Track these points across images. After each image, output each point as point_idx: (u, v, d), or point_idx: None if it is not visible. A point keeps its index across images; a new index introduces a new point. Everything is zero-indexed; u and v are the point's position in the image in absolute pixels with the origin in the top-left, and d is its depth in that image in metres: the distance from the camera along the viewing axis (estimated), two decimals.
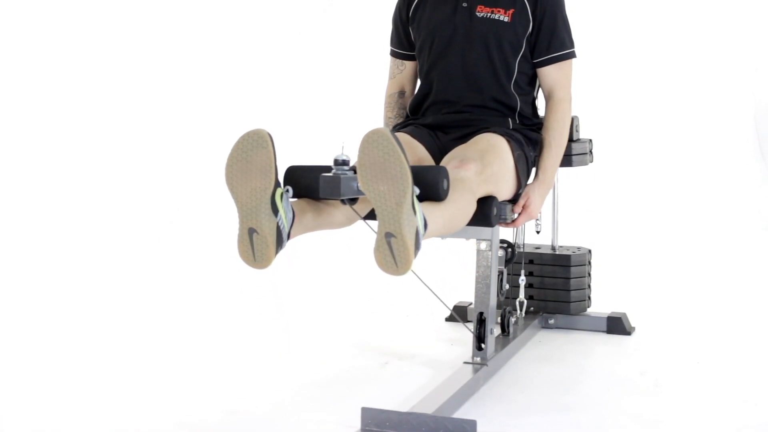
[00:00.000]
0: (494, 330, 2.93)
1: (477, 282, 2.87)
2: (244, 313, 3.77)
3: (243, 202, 2.29)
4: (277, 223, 2.30)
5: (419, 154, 2.78)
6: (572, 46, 2.94)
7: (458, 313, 3.46)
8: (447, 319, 3.54)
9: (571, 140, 3.16)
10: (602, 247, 3.91)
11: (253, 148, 2.28)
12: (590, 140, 3.33)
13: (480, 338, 2.87)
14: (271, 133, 2.32)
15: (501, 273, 3.13)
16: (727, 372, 3.02)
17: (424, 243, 2.29)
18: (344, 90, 5.90)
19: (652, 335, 3.40)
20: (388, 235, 2.16)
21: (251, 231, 2.29)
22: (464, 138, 2.81)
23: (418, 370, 3.00)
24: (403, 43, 3.05)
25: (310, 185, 2.47)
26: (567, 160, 3.15)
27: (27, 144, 5.47)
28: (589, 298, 3.49)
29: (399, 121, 3.04)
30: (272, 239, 2.29)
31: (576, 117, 3.23)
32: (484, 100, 2.87)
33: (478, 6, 2.87)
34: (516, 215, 2.84)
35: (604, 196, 5.17)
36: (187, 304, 3.74)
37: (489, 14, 2.87)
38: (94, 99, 5.67)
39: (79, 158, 5.50)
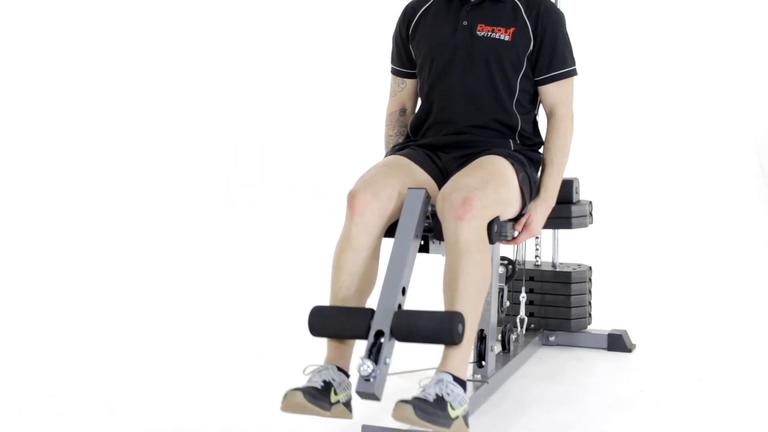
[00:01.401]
0: (495, 347, 2.93)
1: None
2: (242, 329, 3.76)
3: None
4: (344, 402, 2.51)
5: (419, 177, 2.77)
6: (573, 63, 2.94)
7: None
8: None
9: (570, 202, 3.19)
10: (603, 264, 3.91)
11: (300, 410, 2.43)
12: (590, 202, 3.36)
13: (481, 355, 2.87)
14: (303, 389, 2.43)
15: (502, 290, 3.13)
16: (728, 390, 3.02)
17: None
18: (344, 91, 5.91)
19: (652, 352, 3.40)
20: None
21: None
22: (465, 158, 2.80)
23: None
24: (403, 61, 3.05)
25: (334, 328, 2.51)
26: (566, 223, 3.20)
27: (26, 147, 5.47)
28: (590, 315, 3.49)
29: (400, 140, 3.03)
30: (347, 414, 2.51)
31: (576, 179, 3.26)
32: (486, 121, 2.86)
33: (479, 25, 2.87)
34: (517, 233, 2.84)
35: (605, 212, 5.17)
36: (182, 359, 3.71)
37: (490, 33, 2.87)
38: (94, 99, 5.69)
39: (79, 159, 5.51)
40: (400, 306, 2.47)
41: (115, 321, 3.81)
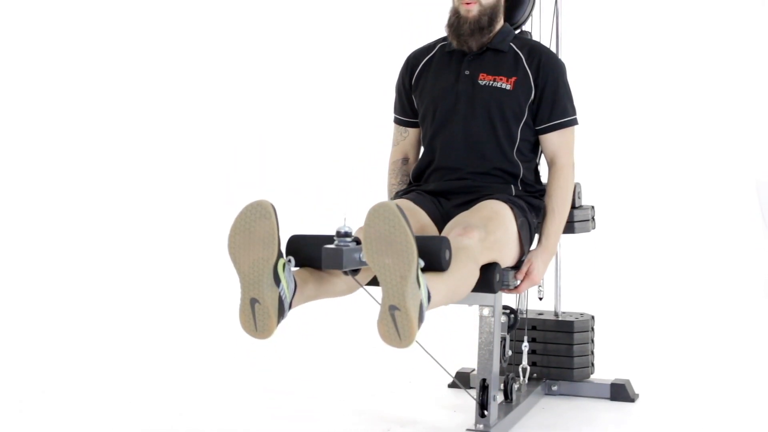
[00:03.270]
0: (497, 397, 2.91)
1: (480, 348, 2.87)
2: (242, 375, 3.74)
3: (245, 272, 2.30)
4: (279, 293, 2.31)
5: (422, 220, 2.79)
6: (574, 113, 2.97)
7: (461, 380, 3.44)
8: (450, 386, 3.52)
9: (573, 207, 3.17)
10: (605, 314, 3.90)
11: (256, 219, 2.30)
12: (592, 207, 3.34)
13: (483, 405, 2.85)
14: (273, 204, 2.32)
15: (504, 339, 3.12)
16: None
17: (427, 312, 2.29)
18: (344, 91, 5.93)
19: (656, 402, 3.38)
20: (392, 308, 2.17)
21: (253, 301, 2.30)
22: (467, 204, 2.82)
23: None
24: (406, 111, 3.07)
25: (311, 255, 2.48)
26: (569, 227, 3.16)
27: (26, 147, 5.46)
28: (593, 364, 3.48)
29: (402, 188, 3.05)
30: (274, 310, 2.29)
31: (578, 184, 3.25)
32: (487, 168, 2.88)
33: (481, 74, 2.90)
34: (519, 281, 2.84)
35: (607, 262, 5.17)
36: (182, 360, 3.69)
37: (491, 82, 2.90)
38: (94, 100, 5.69)
39: (79, 159, 5.50)
40: None
41: (115, 321, 3.79)
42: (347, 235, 2.35)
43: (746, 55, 5.91)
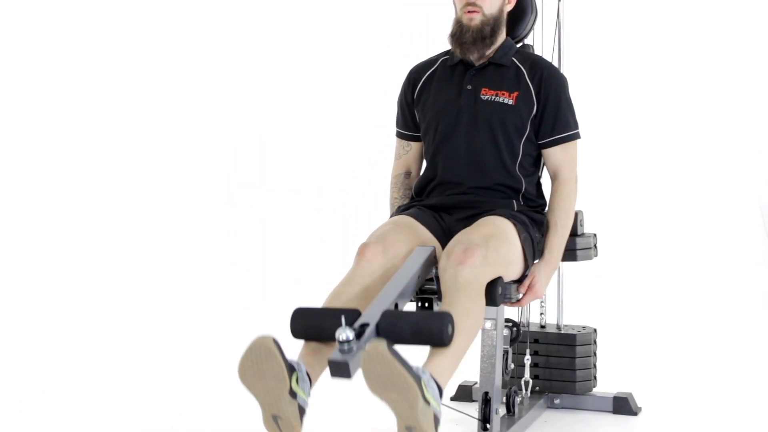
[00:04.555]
0: (499, 410, 2.91)
1: (482, 361, 2.87)
2: (241, 329, 3.66)
3: (261, 397, 2.37)
4: (298, 403, 2.38)
5: (423, 237, 2.79)
6: (576, 127, 2.97)
7: (463, 393, 3.44)
8: (452, 399, 3.52)
9: (575, 235, 3.19)
10: (608, 326, 3.90)
11: (262, 359, 2.33)
12: (594, 234, 3.36)
13: (485, 418, 2.85)
14: (276, 338, 2.35)
15: (506, 352, 3.12)
16: None
17: None
18: (344, 91, 5.94)
19: (659, 416, 3.38)
20: (409, 428, 2.26)
21: (275, 417, 2.37)
22: (469, 219, 2.82)
23: None
24: (408, 125, 3.08)
25: (316, 330, 2.47)
26: (571, 255, 3.19)
27: (27, 148, 5.47)
28: (595, 377, 3.47)
29: (404, 202, 3.06)
30: (296, 419, 2.38)
31: (580, 211, 3.26)
32: (490, 183, 2.89)
33: (483, 89, 2.91)
34: (521, 295, 2.85)
35: (610, 275, 5.17)
36: (182, 360, 3.67)
37: (494, 97, 2.91)
38: (95, 101, 5.70)
39: (80, 159, 5.51)
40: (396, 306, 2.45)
41: (115, 321, 3.79)
42: (348, 341, 2.29)
43: (747, 77, 5.92)
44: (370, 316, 2.37)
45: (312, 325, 2.47)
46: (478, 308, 2.53)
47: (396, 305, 2.45)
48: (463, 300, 2.49)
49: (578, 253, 3.21)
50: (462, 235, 2.67)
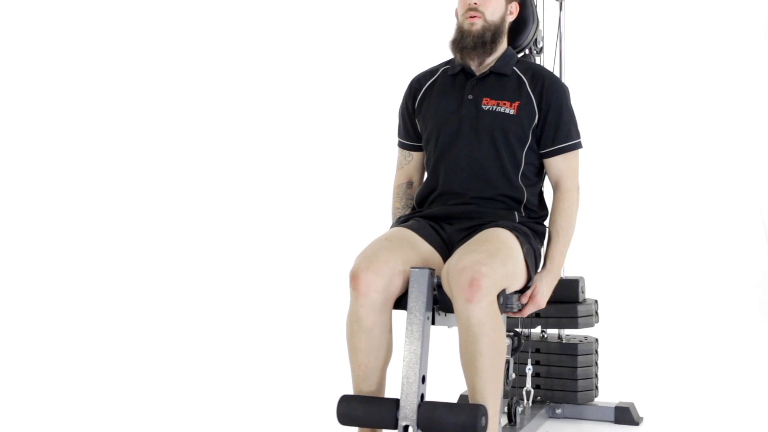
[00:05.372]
0: (501, 420, 2.91)
1: None
2: (243, 375, 3.70)
3: None
4: None
5: (422, 250, 2.77)
6: (578, 136, 2.97)
7: (464, 402, 3.44)
8: None
9: (576, 302, 3.20)
10: (609, 336, 3.90)
11: None
12: (596, 301, 3.37)
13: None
14: None
15: (508, 362, 3.12)
16: None
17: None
18: (344, 91, 5.94)
19: (660, 425, 3.38)
20: None
21: None
22: (470, 230, 2.82)
23: None
24: (410, 135, 3.08)
25: (363, 416, 2.55)
26: (573, 323, 3.21)
27: (28, 148, 5.47)
28: (597, 387, 3.48)
29: (407, 212, 3.05)
30: None
31: (581, 278, 3.27)
32: (492, 193, 2.88)
33: (484, 99, 2.91)
34: (523, 305, 2.84)
35: (611, 284, 5.17)
36: (182, 360, 3.67)
37: (495, 107, 2.90)
38: (95, 101, 5.71)
39: (80, 159, 5.51)
40: (422, 396, 2.49)
41: (116, 321, 3.78)
42: None
43: (746, 85, 5.93)
44: (408, 414, 2.46)
45: (357, 416, 2.55)
46: (499, 346, 2.57)
47: (423, 377, 2.52)
48: (481, 347, 2.53)
49: (579, 320, 3.25)
50: (465, 254, 2.63)
